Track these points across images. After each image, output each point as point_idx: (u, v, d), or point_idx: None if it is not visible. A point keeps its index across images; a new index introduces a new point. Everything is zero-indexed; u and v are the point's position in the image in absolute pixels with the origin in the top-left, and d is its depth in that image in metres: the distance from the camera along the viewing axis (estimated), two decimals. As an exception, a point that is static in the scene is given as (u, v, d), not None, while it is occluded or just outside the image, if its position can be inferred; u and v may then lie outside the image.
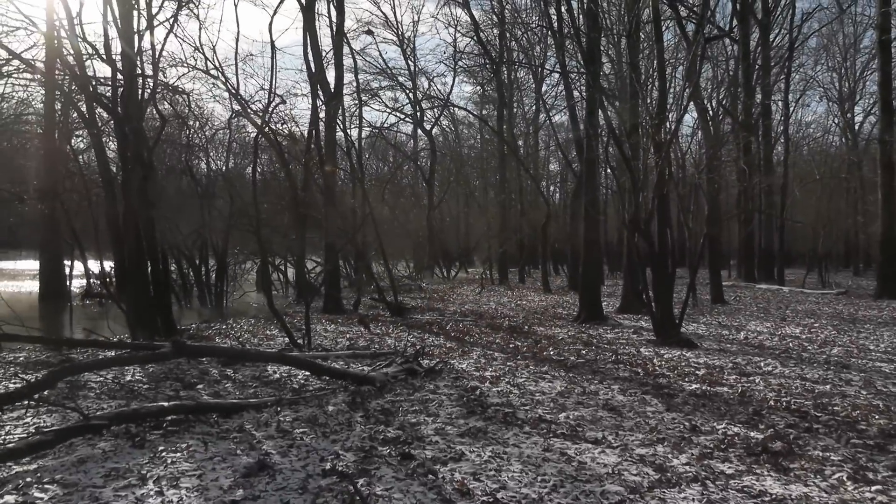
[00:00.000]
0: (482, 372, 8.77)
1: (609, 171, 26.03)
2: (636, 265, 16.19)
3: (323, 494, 4.44)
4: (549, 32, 23.46)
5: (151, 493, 4.48)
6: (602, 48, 19.20)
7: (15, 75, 20.46)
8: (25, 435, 5.71)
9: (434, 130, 39.72)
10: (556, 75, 28.97)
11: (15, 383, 7.90)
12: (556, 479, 4.73)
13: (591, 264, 16.02)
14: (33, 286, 23.80)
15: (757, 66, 27.52)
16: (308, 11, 18.85)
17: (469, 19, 31.04)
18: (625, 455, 5.29)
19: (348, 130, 26.32)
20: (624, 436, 5.83)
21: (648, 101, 19.73)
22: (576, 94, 22.51)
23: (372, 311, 17.25)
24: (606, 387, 7.90)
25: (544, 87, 33.84)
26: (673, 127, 13.88)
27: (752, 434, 5.87)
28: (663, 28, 17.65)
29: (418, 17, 67.40)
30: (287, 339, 11.16)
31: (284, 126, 19.97)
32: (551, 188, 46.35)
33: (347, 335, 12.69)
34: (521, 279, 30.96)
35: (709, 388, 7.84)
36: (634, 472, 4.91)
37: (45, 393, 6.60)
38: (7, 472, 4.84)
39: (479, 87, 42.27)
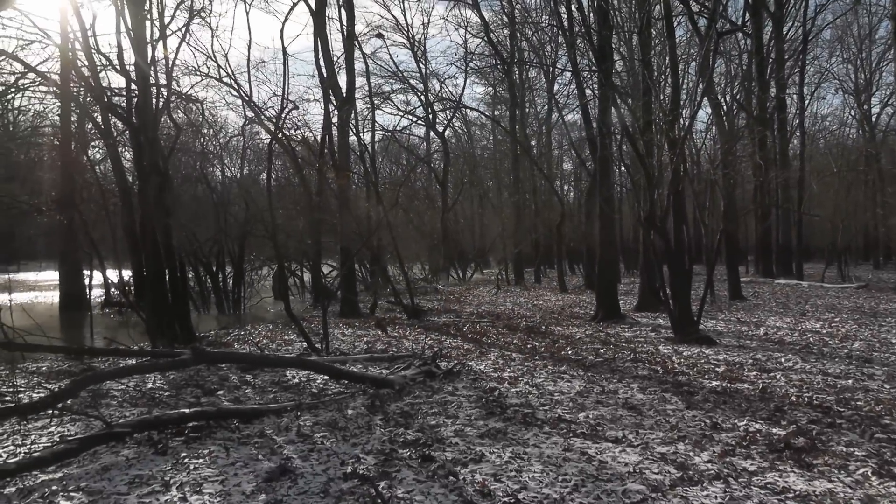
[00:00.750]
0: (500, 373, 8.76)
1: (623, 168, 25.93)
2: (652, 263, 16.10)
3: (345, 498, 4.46)
4: (560, 31, 23.42)
5: (175, 499, 4.53)
6: (613, 46, 19.12)
7: (31, 88, 20.73)
8: (50, 444, 5.79)
9: (447, 132, 39.73)
10: (568, 74, 28.90)
11: (38, 393, 7.99)
12: (577, 479, 4.72)
13: (607, 263, 15.96)
14: (53, 296, 24.06)
15: (771, 60, 27.26)
16: (318, 17, 18.96)
17: (479, 20, 31.09)
18: (646, 454, 5.27)
19: (361, 134, 26.38)
20: (644, 434, 5.80)
21: (661, 97, 19.64)
22: (588, 92, 22.44)
23: (388, 314, 17.27)
24: (626, 385, 7.86)
25: (556, 87, 33.73)
26: (687, 123, 13.80)
27: (774, 430, 5.82)
28: (675, 24, 17.53)
29: (428, 20, 67.45)
30: (305, 343, 11.21)
31: (298, 132, 20.08)
32: (565, 187, 46.21)
33: (365, 338, 12.72)
34: (536, 279, 30.89)
35: (729, 384, 7.79)
36: (656, 470, 4.89)
37: (69, 402, 6.67)
38: (33, 480, 4.91)
39: (490, 88, 42.23)
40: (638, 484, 4.61)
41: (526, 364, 9.41)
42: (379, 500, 4.36)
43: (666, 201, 12.40)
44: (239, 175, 28.71)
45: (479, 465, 5.05)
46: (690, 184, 14.57)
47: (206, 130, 24.03)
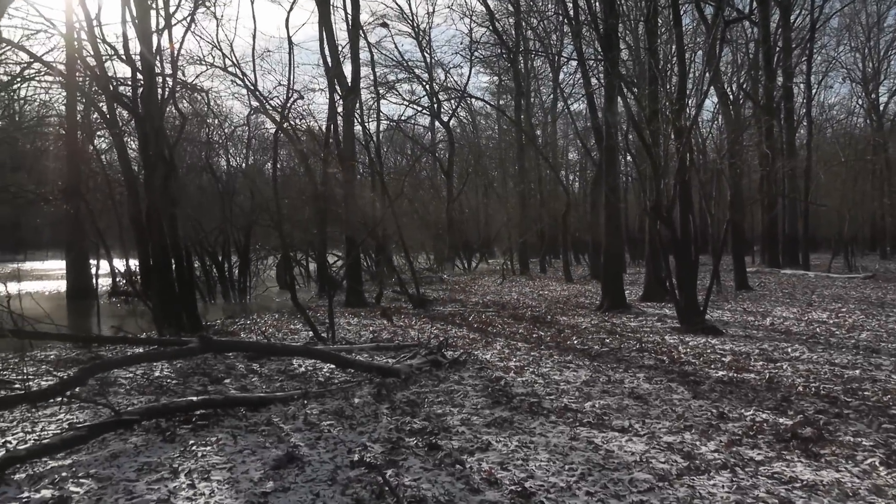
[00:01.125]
0: (506, 362, 8.77)
1: (629, 158, 25.84)
2: (658, 252, 16.07)
3: (352, 485, 4.48)
4: (566, 20, 23.28)
5: (183, 486, 4.55)
6: (619, 34, 18.98)
7: (37, 78, 20.69)
8: (59, 431, 5.82)
9: (451, 122, 39.61)
10: (574, 63, 28.75)
11: (47, 380, 8.04)
12: (583, 468, 4.72)
13: (612, 252, 15.93)
14: (60, 285, 24.16)
15: (778, 49, 27.09)
16: (323, 5, 18.87)
17: (484, 9, 30.94)
18: (652, 443, 5.27)
19: (366, 124, 26.34)
20: (651, 424, 5.80)
21: (668, 86, 19.51)
22: (594, 81, 22.32)
23: (394, 304, 17.29)
24: (632, 375, 7.86)
25: (561, 76, 33.60)
26: (693, 112, 13.73)
27: (780, 420, 5.82)
28: (682, 12, 17.41)
29: (433, 9, 67.43)
30: (311, 332, 11.23)
31: (303, 121, 20.07)
32: (570, 177, 46.16)
33: (370, 328, 12.74)
34: (542, 269, 30.88)
35: (735, 374, 7.78)
36: (662, 459, 4.89)
37: (77, 389, 6.70)
38: (43, 467, 4.94)
39: (495, 77, 42.11)
40: (645, 473, 4.62)
41: (532, 354, 9.42)
42: (386, 488, 4.37)
43: (672, 191, 12.35)
44: (244, 165, 28.72)
45: (485, 454, 5.06)
46: (697, 173, 14.50)
47: (211, 120, 24.01)
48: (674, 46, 17.47)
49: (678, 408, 6.32)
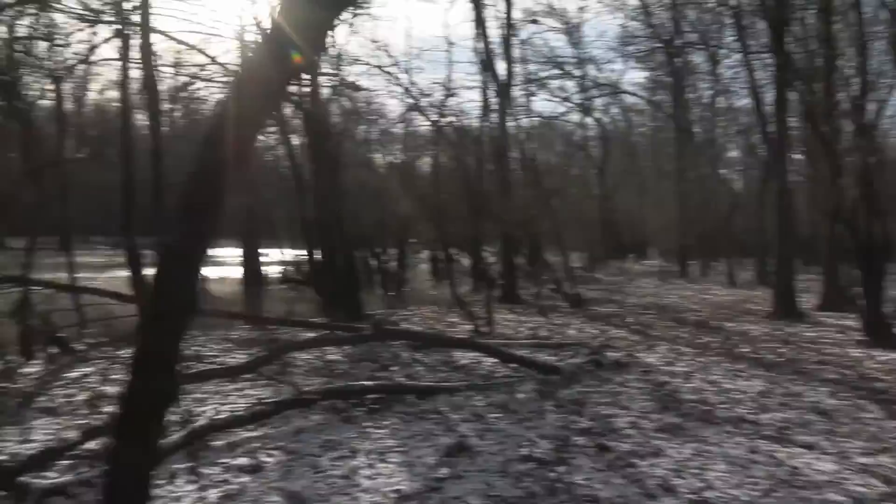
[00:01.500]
0: (671, 367, 8.45)
1: (800, 156, 23.98)
2: (838, 259, 14.85)
3: (523, 479, 4.52)
4: (727, 9, 21.91)
5: (363, 464, 4.81)
6: (789, 24, 17.58)
7: (213, 79, 22.42)
8: (248, 405, 6.32)
9: (604, 118, 38.66)
10: (736, 56, 27.02)
11: (232, 357, 8.74)
12: (767, 483, 4.47)
13: (784, 257, 14.90)
14: (236, 271, 26.11)
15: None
16: (478, 4, 19.05)
17: (637, 1, 29.82)
18: (844, 463, 4.89)
19: (518, 121, 26.26)
20: (839, 442, 5.38)
21: (846, 80, 17.88)
22: (759, 74, 20.87)
23: (549, 302, 17.11)
24: (812, 388, 7.31)
25: (722, 69, 31.75)
26: (877, 108, 12.52)
27: None
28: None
29: (584, 4, 65.72)
30: (469, 326, 11.39)
31: (457, 119, 20.38)
32: (733, 176, 43.61)
33: (527, 325, 12.71)
34: (702, 272, 29.50)
35: (938, 396, 7.02)
36: (858, 481, 4.52)
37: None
38: (237, 436, 5.39)
39: (650, 72, 40.56)
40: (838, 495, 4.29)
41: (698, 360, 9.00)
42: (559, 485, 4.36)
43: (857, 192, 11.32)
44: (399, 161, 29.61)
45: (658, 459, 4.92)
46: (882, 173, 13.19)
47: (369, 117, 24.95)
48: (853, 37, 15.96)
49: (871, 427, 5.81)
